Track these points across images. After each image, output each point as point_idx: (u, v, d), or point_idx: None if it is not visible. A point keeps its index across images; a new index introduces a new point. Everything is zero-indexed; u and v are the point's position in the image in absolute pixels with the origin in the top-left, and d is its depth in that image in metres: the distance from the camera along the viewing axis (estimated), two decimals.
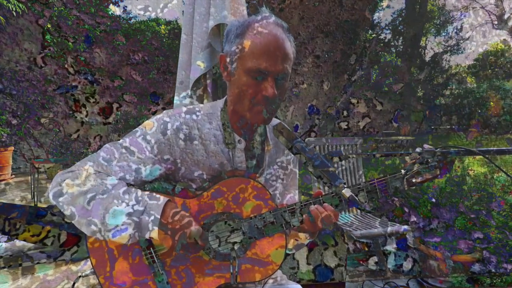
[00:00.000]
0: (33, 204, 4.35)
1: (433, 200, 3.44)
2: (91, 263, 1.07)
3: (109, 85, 7.52)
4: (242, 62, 1.06)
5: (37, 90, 7.05)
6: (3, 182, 6.20)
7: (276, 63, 1.04)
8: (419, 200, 3.41)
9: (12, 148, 6.50)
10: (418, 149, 1.04)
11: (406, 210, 3.32)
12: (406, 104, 10.68)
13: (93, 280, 2.15)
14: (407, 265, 2.94)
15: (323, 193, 1.08)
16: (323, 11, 8.90)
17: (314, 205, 1.05)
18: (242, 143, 1.18)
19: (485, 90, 10.77)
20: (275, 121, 1.26)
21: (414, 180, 1.01)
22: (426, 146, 1.04)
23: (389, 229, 2.70)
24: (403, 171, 1.03)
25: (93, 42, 7.31)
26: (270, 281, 1.31)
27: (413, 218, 3.33)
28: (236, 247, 1.11)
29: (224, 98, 1.22)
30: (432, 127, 11.19)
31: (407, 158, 1.05)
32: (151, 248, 1.08)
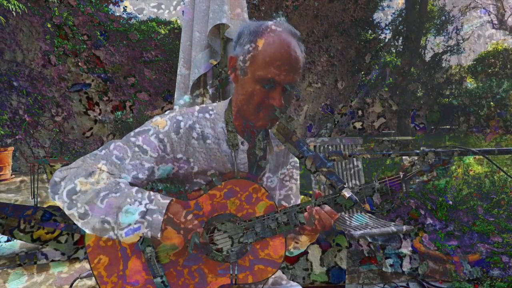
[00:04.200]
0: (33, 204, 4.38)
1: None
2: (90, 263, 1.06)
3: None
4: (252, 68, 1.06)
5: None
6: (3, 182, 6.27)
7: (287, 74, 1.04)
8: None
9: (12, 148, 6.57)
10: (416, 151, 1.12)
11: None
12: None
13: (91, 282, 2.16)
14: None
15: (322, 194, 1.11)
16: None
17: (323, 204, 1.08)
18: (245, 145, 1.17)
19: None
20: None
21: (411, 182, 1.09)
22: (424, 149, 1.11)
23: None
24: (401, 173, 1.09)
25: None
26: (270, 280, 1.29)
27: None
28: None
29: (229, 99, 1.22)
30: (433, 127, 11.03)
31: (405, 161, 1.12)
32: (150, 247, 1.06)
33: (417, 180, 1.09)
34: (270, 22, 1.10)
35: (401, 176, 1.09)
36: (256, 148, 1.21)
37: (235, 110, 1.16)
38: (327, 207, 1.07)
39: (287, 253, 1.24)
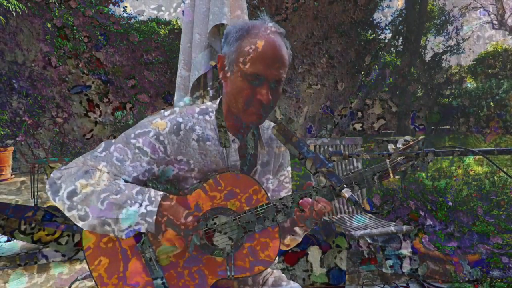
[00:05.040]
0: (33, 205, 4.38)
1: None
2: (88, 265, 1.06)
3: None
4: (239, 65, 1.07)
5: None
6: (3, 182, 6.26)
7: (273, 69, 1.06)
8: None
9: (12, 148, 6.57)
10: (401, 141, 1.16)
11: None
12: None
13: (91, 283, 2.16)
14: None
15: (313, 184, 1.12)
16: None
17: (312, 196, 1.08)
18: (236, 142, 1.18)
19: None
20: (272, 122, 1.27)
21: (398, 170, 1.12)
22: (407, 137, 1.16)
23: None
24: (387, 160, 1.13)
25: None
26: (270, 280, 1.30)
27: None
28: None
29: (219, 98, 1.23)
30: (433, 127, 11.01)
31: (390, 149, 1.16)
32: (150, 248, 1.07)
33: (403, 167, 1.11)
34: (255, 21, 1.12)
35: (388, 163, 1.12)
36: (247, 146, 1.22)
37: (225, 108, 1.17)
38: (322, 200, 1.06)
39: (284, 247, 1.26)
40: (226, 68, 1.12)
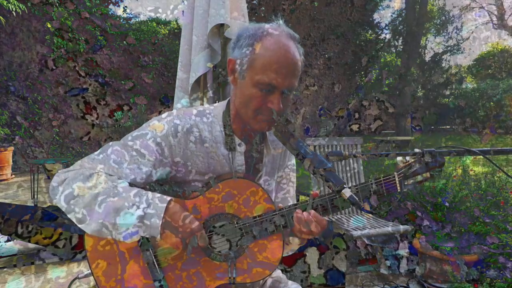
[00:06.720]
0: (33, 205, 4.38)
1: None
2: (90, 267, 1.06)
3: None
4: (251, 72, 1.05)
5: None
6: (3, 182, 6.25)
7: (285, 78, 1.03)
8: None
9: (12, 148, 6.56)
10: (411, 152, 1.11)
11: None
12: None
13: (87, 285, 2.15)
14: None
15: (319, 194, 1.10)
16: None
17: (314, 205, 1.07)
18: (243, 146, 1.17)
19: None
20: None
21: (406, 182, 1.07)
22: (416, 150, 1.11)
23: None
24: (395, 173, 1.07)
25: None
26: (269, 281, 1.29)
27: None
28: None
29: (227, 100, 1.21)
30: (433, 127, 11.01)
31: (399, 162, 1.11)
32: (151, 250, 1.07)
33: (411, 181, 1.08)
34: (268, 25, 1.09)
35: (396, 176, 1.08)
36: (253, 150, 1.21)
37: (233, 112, 1.16)
38: (315, 215, 1.06)
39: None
40: (237, 73, 1.10)
